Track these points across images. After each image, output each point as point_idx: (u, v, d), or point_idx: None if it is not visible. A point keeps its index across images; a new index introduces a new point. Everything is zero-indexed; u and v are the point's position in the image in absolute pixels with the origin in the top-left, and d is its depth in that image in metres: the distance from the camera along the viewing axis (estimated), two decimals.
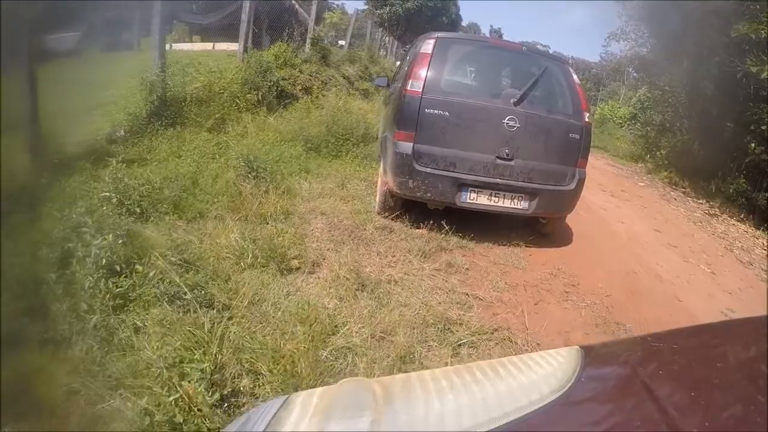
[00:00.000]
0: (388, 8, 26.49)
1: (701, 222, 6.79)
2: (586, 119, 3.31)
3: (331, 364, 1.61)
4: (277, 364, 1.53)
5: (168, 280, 1.93)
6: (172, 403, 1.32)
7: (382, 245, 2.90)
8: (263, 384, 1.49)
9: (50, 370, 1.61)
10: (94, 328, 1.63)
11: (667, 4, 9.59)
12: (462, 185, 3.14)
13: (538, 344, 2.15)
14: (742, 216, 7.82)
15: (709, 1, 8.08)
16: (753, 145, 7.80)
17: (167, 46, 12.35)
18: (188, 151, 3.74)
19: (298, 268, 2.39)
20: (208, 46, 11.80)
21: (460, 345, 1.95)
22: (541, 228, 3.68)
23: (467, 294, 2.47)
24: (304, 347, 1.58)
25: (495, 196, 3.16)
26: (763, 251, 6.04)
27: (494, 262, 3.05)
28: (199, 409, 1.32)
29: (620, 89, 31.22)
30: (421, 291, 2.37)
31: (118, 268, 1.96)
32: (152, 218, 2.67)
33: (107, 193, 2.64)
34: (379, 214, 3.45)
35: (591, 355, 0.59)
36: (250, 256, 2.28)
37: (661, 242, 4.86)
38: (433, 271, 2.66)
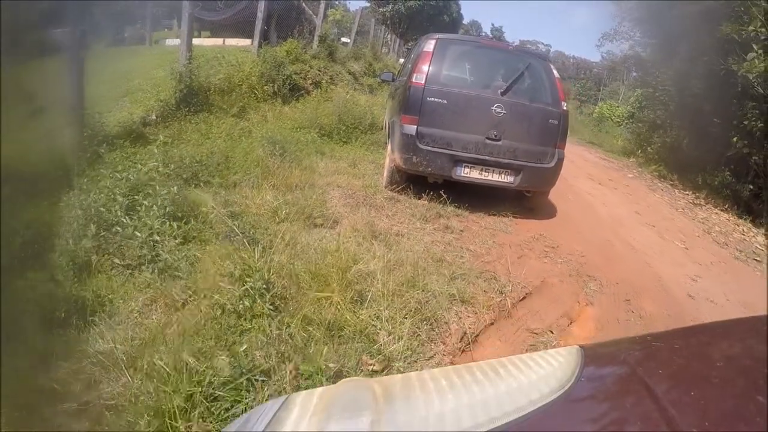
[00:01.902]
0: (390, 6, 26.93)
1: (684, 209, 7.19)
2: (564, 108, 3.87)
3: (356, 281, 2.10)
4: (315, 279, 2.03)
5: (219, 226, 2.43)
6: (240, 296, 1.80)
7: (390, 210, 3.43)
8: (305, 292, 1.98)
9: (127, 288, 2.08)
10: (170, 251, 2.12)
11: (660, 5, 10.00)
12: (457, 161, 3.68)
13: (518, 283, 2.65)
14: (726, 206, 8.15)
15: (698, 2, 8.47)
16: (735, 138, 8.21)
17: (178, 41, 12.84)
18: (217, 134, 4.24)
19: (321, 225, 2.89)
20: (218, 41, 12.27)
21: (454, 278, 2.46)
22: (527, 203, 4.21)
23: (461, 247, 2.98)
24: (335, 269, 2.07)
25: (485, 171, 3.70)
26: (741, 236, 6.37)
27: (485, 227, 3.56)
28: (261, 302, 1.81)
29: (620, 89, 31.68)
30: (422, 242, 2.88)
31: (180, 215, 2.46)
32: (194, 185, 3.16)
33: (155, 163, 3.13)
34: (386, 187, 3.98)
35: (591, 354, 0.59)
36: (283, 212, 2.78)
37: (640, 222, 5.32)
38: (432, 230, 3.18)
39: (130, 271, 2.16)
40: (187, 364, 1.37)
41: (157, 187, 2.46)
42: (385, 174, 4.09)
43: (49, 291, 1.96)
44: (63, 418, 1.44)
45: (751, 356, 0.64)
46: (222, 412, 1.32)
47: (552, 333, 2.25)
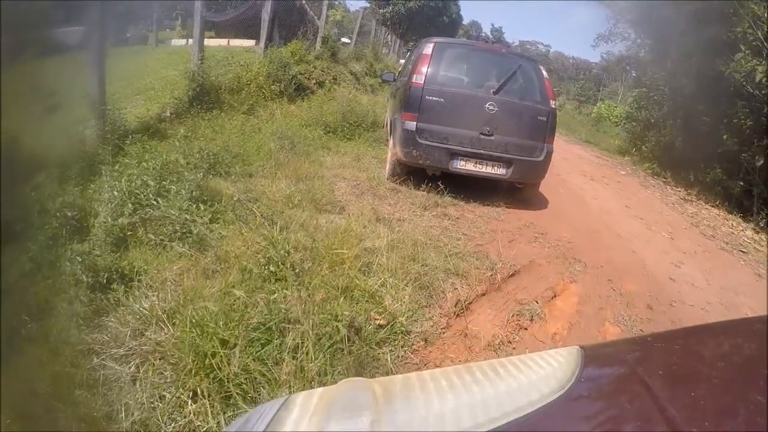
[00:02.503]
0: (391, 7, 27.27)
1: (674, 204, 7.40)
2: (552, 106, 4.21)
3: (363, 255, 2.39)
4: (329, 251, 2.31)
5: (240, 208, 2.71)
6: (265, 263, 2.09)
7: (392, 199, 3.74)
8: (320, 262, 2.26)
9: (161, 260, 2.35)
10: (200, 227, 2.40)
11: (652, 6, 10.24)
12: (454, 154, 4.02)
13: (508, 262, 2.94)
14: (717, 202, 8.32)
15: (690, 2, 8.68)
16: (726, 136, 8.45)
17: (184, 42, 13.06)
18: (230, 130, 4.53)
19: (330, 210, 3.18)
20: (223, 42, 12.54)
21: (450, 255, 2.75)
22: (519, 194, 4.52)
23: (457, 231, 3.28)
24: (345, 245, 2.36)
25: (479, 164, 4.03)
26: (729, 230, 6.55)
27: (479, 215, 3.87)
28: (284, 267, 2.09)
29: (619, 89, 31.98)
30: (421, 226, 3.18)
31: (205, 199, 2.75)
32: (213, 174, 3.45)
33: (177, 155, 3.41)
34: (388, 179, 4.30)
35: (591, 355, 0.59)
36: (296, 199, 3.07)
37: (629, 215, 5.57)
38: (431, 217, 3.48)
39: (163, 245, 2.43)
40: (224, 312, 1.65)
41: (186, 173, 2.74)
42: (388, 167, 4.40)
43: (90, 261, 2.22)
44: (111, 361, 1.71)
45: (750, 356, 0.64)
46: (254, 351, 1.61)
47: (537, 303, 2.54)
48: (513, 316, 2.36)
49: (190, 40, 12.24)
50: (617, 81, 34.63)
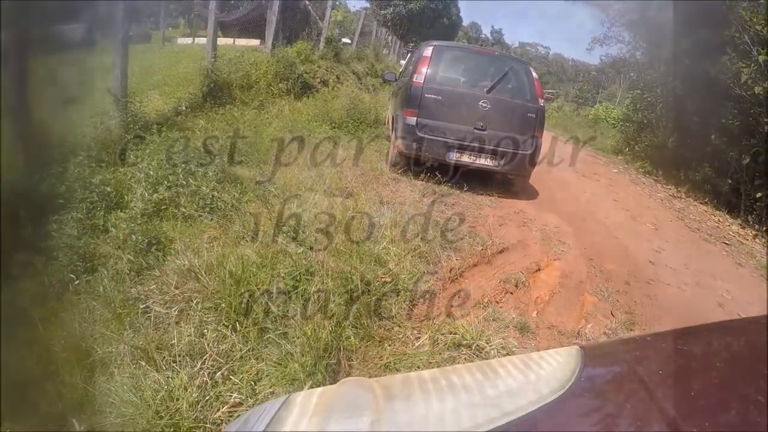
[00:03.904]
0: (391, 9, 27.61)
1: (662, 200, 7.66)
2: (541, 103, 4.60)
3: (369, 228, 2.73)
4: (341, 225, 2.65)
5: (260, 189, 3.05)
6: (286, 232, 2.42)
7: (394, 187, 4.11)
8: (336, 231, 2.60)
9: (193, 231, 2.67)
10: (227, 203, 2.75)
11: (645, 7, 10.54)
12: (450, 147, 4.41)
13: (498, 241, 3.28)
14: (705, 200, 8.58)
15: (685, 1, 8.97)
16: (713, 136, 8.74)
17: (191, 40, 13.33)
18: (243, 123, 4.87)
19: (338, 195, 3.51)
20: (228, 41, 12.87)
21: (445, 231, 3.09)
22: (511, 186, 4.91)
23: (452, 214, 3.62)
24: (355, 218, 2.70)
25: (473, 156, 4.42)
26: (715, 224, 6.83)
27: (473, 203, 4.23)
28: (303, 234, 2.43)
29: (618, 91, 32.29)
30: (420, 209, 3.52)
31: (228, 180, 3.09)
32: (232, 161, 3.78)
33: (199, 143, 3.74)
34: (390, 170, 4.67)
35: (591, 355, 0.60)
36: (310, 182, 3.41)
37: (617, 207, 5.88)
38: (429, 202, 3.82)
39: (194, 218, 2.75)
40: (256, 264, 1.99)
41: (214, 154, 3.08)
42: (390, 159, 4.80)
43: (133, 227, 2.54)
44: (158, 306, 2.04)
45: (750, 356, 0.64)
46: (287, 292, 1.95)
47: (522, 273, 2.88)
48: (500, 282, 2.70)
49: (197, 39, 12.56)
50: (615, 83, 34.90)
